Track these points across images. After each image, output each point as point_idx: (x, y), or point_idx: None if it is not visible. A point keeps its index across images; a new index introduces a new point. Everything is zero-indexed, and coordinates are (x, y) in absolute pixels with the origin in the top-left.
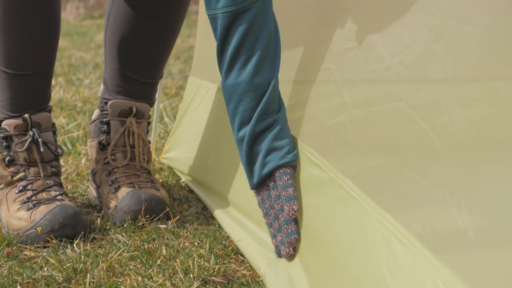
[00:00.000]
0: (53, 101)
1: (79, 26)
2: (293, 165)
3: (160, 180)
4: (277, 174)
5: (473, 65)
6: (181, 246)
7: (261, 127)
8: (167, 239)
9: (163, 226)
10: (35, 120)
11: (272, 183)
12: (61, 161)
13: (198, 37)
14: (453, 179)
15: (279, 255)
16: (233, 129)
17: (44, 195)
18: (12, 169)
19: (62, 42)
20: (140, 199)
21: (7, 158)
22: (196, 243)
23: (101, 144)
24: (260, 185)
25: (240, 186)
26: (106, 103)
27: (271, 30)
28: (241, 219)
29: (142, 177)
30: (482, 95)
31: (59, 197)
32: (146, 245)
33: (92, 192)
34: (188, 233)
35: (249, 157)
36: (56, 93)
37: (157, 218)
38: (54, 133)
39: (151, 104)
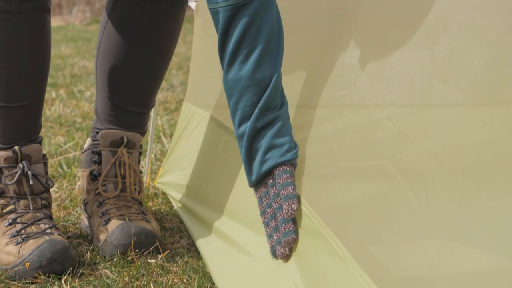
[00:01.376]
0: (52, 117)
1: (84, 31)
2: (293, 163)
3: (153, 208)
4: (276, 172)
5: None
6: (169, 283)
7: (262, 123)
8: (156, 274)
9: (153, 260)
10: (25, 152)
11: (271, 180)
12: (56, 185)
13: (192, 62)
14: (433, 242)
15: (274, 255)
16: (234, 125)
17: (33, 228)
18: (2, 201)
19: (66, 49)
20: (130, 232)
21: None
22: (185, 280)
23: (92, 175)
24: (259, 182)
25: (229, 218)
26: (97, 132)
27: (273, 23)
28: (228, 251)
29: (133, 208)
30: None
31: (49, 230)
32: (134, 282)
33: (84, 221)
34: (178, 268)
35: (249, 153)
36: (56, 108)
37: (147, 252)
38: (45, 164)
39: (143, 134)
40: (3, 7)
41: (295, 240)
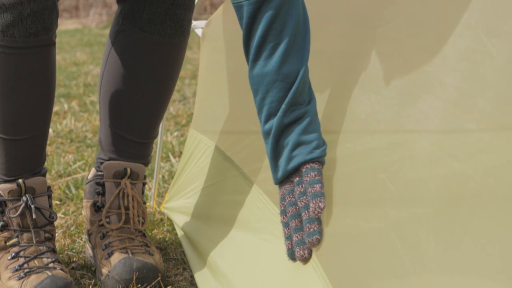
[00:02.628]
0: (63, 132)
1: (100, 35)
2: (321, 161)
3: (158, 237)
4: (303, 169)
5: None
6: None
7: (289, 119)
8: None
9: None
10: (29, 185)
11: (297, 178)
12: (62, 209)
13: (198, 89)
14: None
15: (291, 257)
16: (260, 121)
17: (36, 262)
18: (5, 234)
19: (81, 55)
20: (132, 267)
21: (0, 223)
22: None
23: (96, 206)
24: (284, 180)
25: (229, 254)
26: (101, 163)
27: (299, 16)
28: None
29: (136, 241)
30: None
31: (51, 264)
32: None
33: (89, 250)
34: None
35: (275, 150)
36: (68, 122)
37: (149, 287)
38: (50, 196)
39: (147, 163)
40: (9, 42)
41: (319, 241)
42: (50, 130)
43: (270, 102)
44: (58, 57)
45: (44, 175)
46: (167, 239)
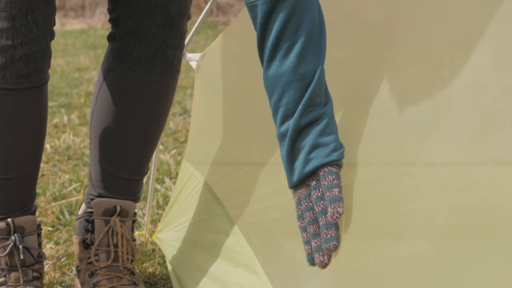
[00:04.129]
0: (60, 149)
1: (105, 36)
2: (339, 164)
3: (149, 271)
4: (321, 173)
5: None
6: None
7: (306, 120)
8: None
9: None
10: (19, 224)
11: (314, 182)
12: (54, 237)
13: (192, 122)
14: None
15: (311, 263)
16: (275, 123)
17: None
18: None
19: (85, 59)
20: None
21: None
22: None
23: (85, 243)
24: (300, 183)
25: None
26: (92, 199)
27: (314, 15)
28: None
29: (124, 279)
30: None
31: None
32: None
33: (78, 286)
34: None
35: (291, 152)
36: (66, 138)
37: None
38: (39, 235)
39: (137, 200)
40: (0, 84)
41: (336, 248)
42: (48, 146)
43: (286, 103)
44: (62, 61)
45: (33, 213)
46: (157, 272)
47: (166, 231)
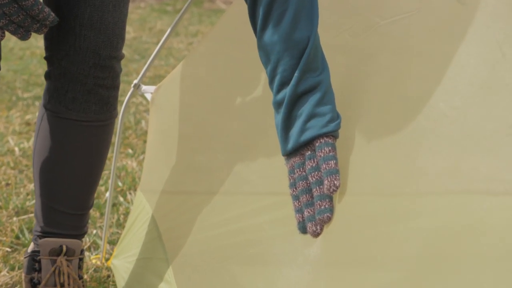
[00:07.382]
0: (30, 151)
1: None
2: (335, 135)
3: None
4: (317, 144)
5: None
6: None
7: (303, 87)
8: None
9: None
10: None
11: (309, 152)
12: (11, 260)
13: (147, 151)
14: None
15: (302, 231)
16: (272, 91)
17: None
18: None
19: None
20: None
21: None
22: None
23: (32, 282)
24: (294, 152)
25: None
26: (38, 236)
27: None
28: None
29: None
30: None
31: None
32: None
33: None
34: None
35: (287, 121)
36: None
37: None
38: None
39: (83, 235)
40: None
41: (330, 219)
42: (16, 148)
43: (282, 70)
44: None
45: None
46: None
47: (120, 258)
